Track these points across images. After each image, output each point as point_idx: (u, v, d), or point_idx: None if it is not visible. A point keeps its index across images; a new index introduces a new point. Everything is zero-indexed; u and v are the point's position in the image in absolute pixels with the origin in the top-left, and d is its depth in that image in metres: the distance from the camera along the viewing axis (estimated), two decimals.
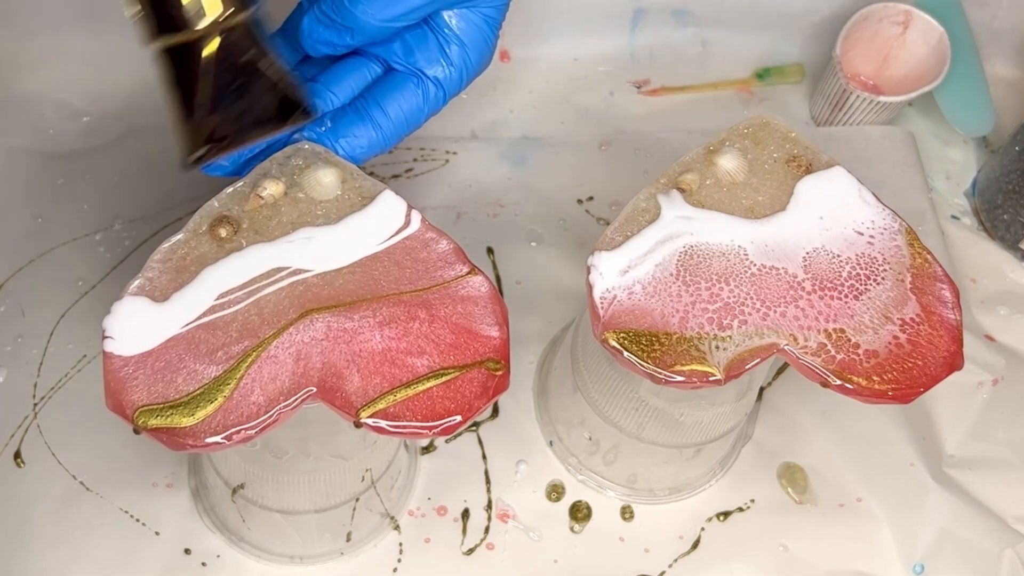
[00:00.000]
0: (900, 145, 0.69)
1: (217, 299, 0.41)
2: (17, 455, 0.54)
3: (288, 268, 0.43)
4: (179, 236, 0.43)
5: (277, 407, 0.39)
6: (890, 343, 0.44)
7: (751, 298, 0.44)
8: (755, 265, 0.45)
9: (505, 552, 0.54)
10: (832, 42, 0.67)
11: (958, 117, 0.69)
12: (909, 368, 0.43)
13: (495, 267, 0.63)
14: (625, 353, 0.43)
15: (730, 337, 0.43)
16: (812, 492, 0.57)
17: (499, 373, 0.41)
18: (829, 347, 0.43)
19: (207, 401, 0.39)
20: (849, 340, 0.43)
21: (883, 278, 0.45)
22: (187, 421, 0.39)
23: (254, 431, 0.39)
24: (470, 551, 0.54)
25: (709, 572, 0.54)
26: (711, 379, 0.43)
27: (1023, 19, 0.73)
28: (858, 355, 0.43)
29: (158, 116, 0.65)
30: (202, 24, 0.41)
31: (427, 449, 0.56)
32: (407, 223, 0.44)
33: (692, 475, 0.56)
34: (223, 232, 0.43)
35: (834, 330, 0.44)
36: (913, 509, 0.56)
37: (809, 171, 0.47)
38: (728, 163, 0.47)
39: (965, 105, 0.69)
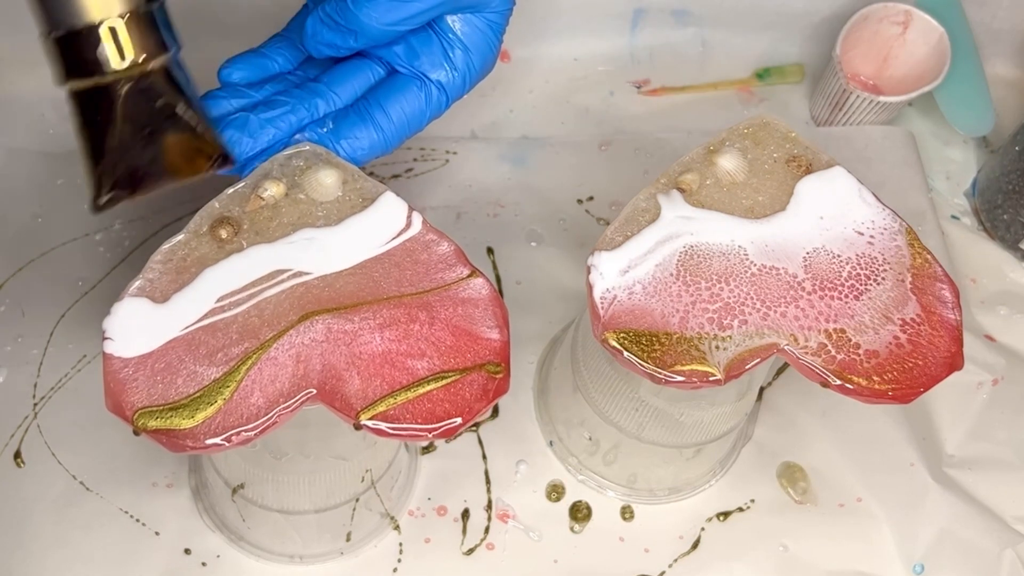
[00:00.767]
0: (900, 145, 0.69)
1: (217, 300, 0.41)
2: (17, 455, 0.54)
3: (288, 270, 0.42)
4: (179, 237, 0.43)
5: (277, 409, 0.39)
6: (890, 343, 0.44)
7: (751, 298, 0.44)
8: (755, 265, 0.45)
9: (505, 552, 0.54)
10: (832, 42, 0.67)
11: (958, 117, 0.69)
12: (909, 368, 0.43)
13: (495, 267, 0.63)
14: (625, 353, 0.43)
15: (730, 337, 0.43)
16: (812, 492, 0.57)
17: (499, 376, 0.41)
18: (829, 347, 0.43)
19: (207, 403, 0.39)
20: (850, 340, 0.43)
21: (883, 278, 0.45)
22: (187, 423, 0.39)
23: (254, 433, 0.39)
24: (470, 551, 0.54)
25: (709, 572, 0.54)
26: (711, 379, 0.43)
27: (1023, 19, 0.73)
28: (858, 355, 0.43)
29: None
30: (114, 69, 0.38)
31: (427, 449, 0.56)
32: (408, 225, 0.44)
33: (692, 475, 0.56)
34: (224, 233, 0.43)
35: (834, 330, 0.44)
36: (913, 509, 0.56)
37: (809, 171, 0.47)
38: (728, 163, 0.47)
39: (965, 105, 0.69)
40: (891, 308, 0.44)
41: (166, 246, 0.42)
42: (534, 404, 0.59)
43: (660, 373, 0.43)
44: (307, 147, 0.46)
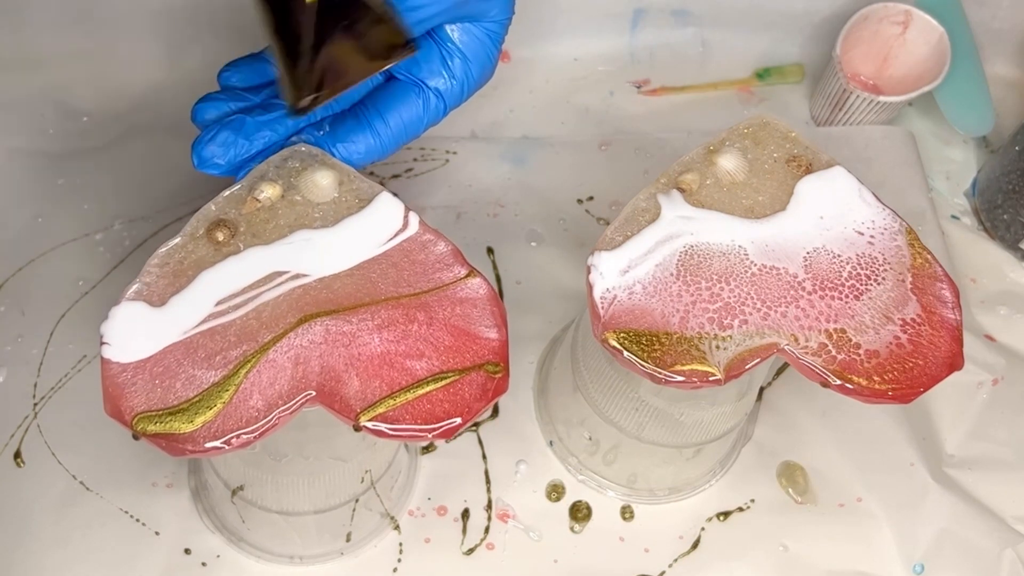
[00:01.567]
0: (900, 145, 0.69)
1: (215, 304, 0.41)
2: (17, 455, 0.54)
3: (286, 272, 0.42)
4: (176, 240, 0.43)
5: (276, 411, 0.39)
6: (891, 343, 0.43)
7: (752, 298, 0.44)
8: (755, 265, 0.45)
9: (505, 552, 0.54)
10: (832, 42, 0.67)
11: (958, 117, 0.69)
12: (909, 368, 0.43)
13: (495, 267, 0.63)
14: (625, 353, 0.43)
15: (730, 337, 0.43)
16: (812, 492, 0.57)
17: (498, 375, 0.41)
18: (830, 347, 0.43)
19: (206, 407, 0.39)
20: (850, 340, 0.43)
21: (884, 278, 0.45)
22: (186, 427, 0.38)
23: (253, 436, 0.39)
24: (470, 551, 0.54)
25: (709, 572, 0.54)
26: (711, 379, 0.43)
27: (1023, 19, 0.73)
28: (859, 355, 0.43)
29: (159, 116, 0.66)
30: None
31: (427, 449, 0.56)
32: (405, 225, 0.44)
33: (692, 475, 0.56)
34: (220, 236, 0.43)
35: (835, 330, 0.44)
36: (913, 509, 0.56)
37: (809, 171, 0.47)
38: (728, 163, 0.47)
39: (965, 105, 0.69)
40: (892, 308, 0.44)
41: (162, 250, 0.42)
42: (534, 404, 0.59)
43: (660, 373, 0.43)
44: (303, 149, 0.46)
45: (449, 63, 0.48)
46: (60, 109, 0.66)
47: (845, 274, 0.45)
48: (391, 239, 0.44)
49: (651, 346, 0.43)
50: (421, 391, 0.40)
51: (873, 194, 0.47)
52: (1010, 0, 0.72)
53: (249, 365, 0.40)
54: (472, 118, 0.68)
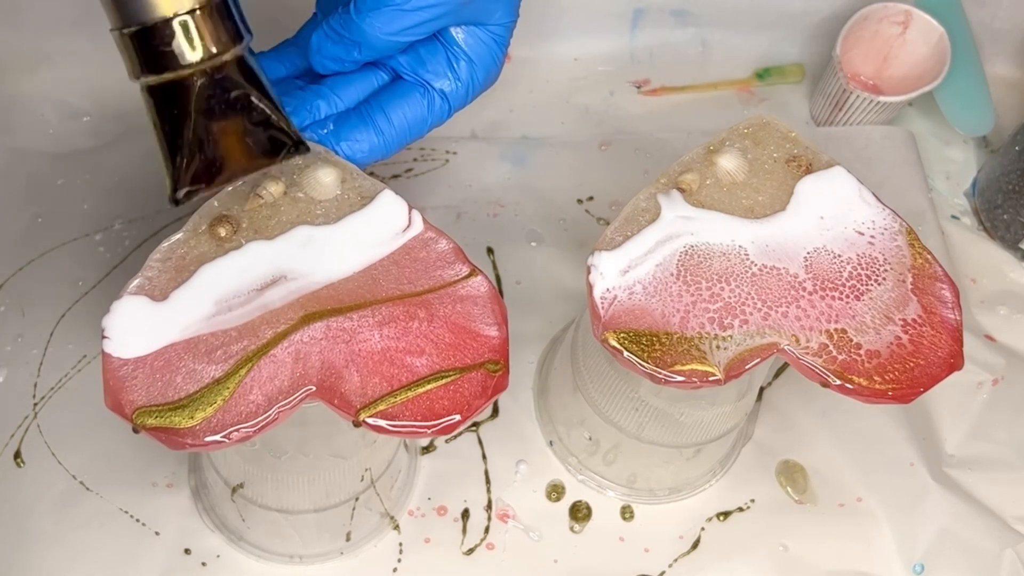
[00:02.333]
0: (900, 145, 0.69)
1: (217, 299, 0.41)
2: (17, 455, 0.54)
3: (288, 268, 0.42)
4: (179, 235, 0.43)
5: (276, 406, 0.39)
6: (892, 343, 0.43)
7: (752, 298, 0.44)
8: (756, 265, 0.45)
9: (505, 552, 0.54)
10: (832, 42, 0.68)
11: (958, 117, 0.69)
12: (910, 368, 0.43)
13: (495, 267, 0.63)
14: (625, 353, 0.43)
15: (731, 337, 0.43)
16: (812, 492, 0.57)
17: (498, 373, 0.41)
18: (831, 347, 0.43)
19: (207, 403, 0.39)
20: (851, 340, 0.43)
21: (884, 278, 0.45)
22: (186, 423, 0.39)
23: (253, 430, 0.39)
24: (470, 551, 0.54)
25: (709, 572, 0.54)
26: (711, 379, 0.43)
27: (1023, 19, 0.73)
28: (859, 355, 0.43)
29: None
30: (189, 63, 0.38)
31: (427, 449, 0.56)
32: (408, 223, 0.44)
33: (692, 475, 0.56)
34: (223, 231, 0.43)
35: (836, 330, 0.44)
36: (913, 509, 0.56)
37: (809, 171, 0.47)
38: (728, 163, 0.47)
39: (965, 105, 0.69)
40: (892, 308, 0.44)
41: (165, 244, 0.42)
42: (534, 404, 0.59)
43: (660, 373, 0.43)
44: None
45: (455, 65, 0.49)
46: (60, 109, 0.66)
47: (846, 274, 0.45)
48: (393, 237, 0.44)
49: (651, 346, 0.43)
50: (421, 388, 0.40)
51: (873, 194, 0.47)
52: (1010, 0, 0.72)
53: (251, 363, 0.40)
54: (472, 118, 0.68)
